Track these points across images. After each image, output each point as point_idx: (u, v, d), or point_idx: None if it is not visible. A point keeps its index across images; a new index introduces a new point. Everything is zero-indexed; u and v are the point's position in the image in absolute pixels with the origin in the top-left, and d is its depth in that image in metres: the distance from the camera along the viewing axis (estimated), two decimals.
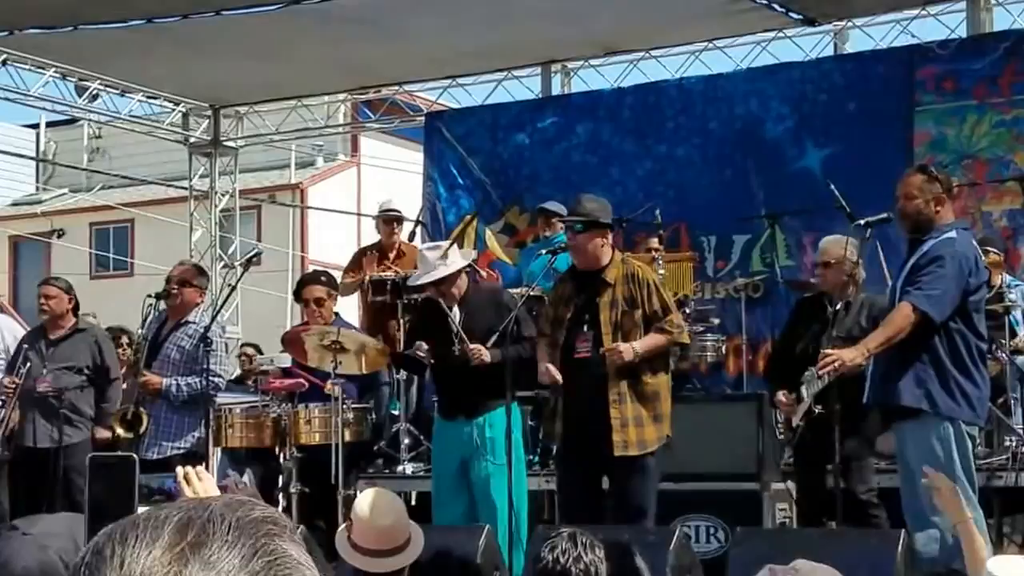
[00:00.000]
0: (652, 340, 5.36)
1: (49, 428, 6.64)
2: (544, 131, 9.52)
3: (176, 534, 0.87)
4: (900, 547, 4.52)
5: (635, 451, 5.32)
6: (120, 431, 6.24)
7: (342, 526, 4.07)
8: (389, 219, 8.16)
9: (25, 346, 6.89)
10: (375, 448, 7.37)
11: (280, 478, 6.93)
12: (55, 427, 6.62)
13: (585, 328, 5.41)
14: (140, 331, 6.58)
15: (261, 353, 9.79)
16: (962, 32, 8.49)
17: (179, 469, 2.46)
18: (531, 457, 7.13)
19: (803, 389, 5.52)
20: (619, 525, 5.17)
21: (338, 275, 7.98)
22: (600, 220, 5.46)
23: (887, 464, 6.01)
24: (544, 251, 6.15)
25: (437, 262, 5.95)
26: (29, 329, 7.47)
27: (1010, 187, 7.56)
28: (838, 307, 5.66)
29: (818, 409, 5.42)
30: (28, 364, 6.72)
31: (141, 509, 0.97)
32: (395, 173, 17.00)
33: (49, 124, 21.29)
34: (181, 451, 6.36)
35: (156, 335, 6.50)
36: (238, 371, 9.78)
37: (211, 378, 6.31)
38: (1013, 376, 6.74)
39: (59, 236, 21.34)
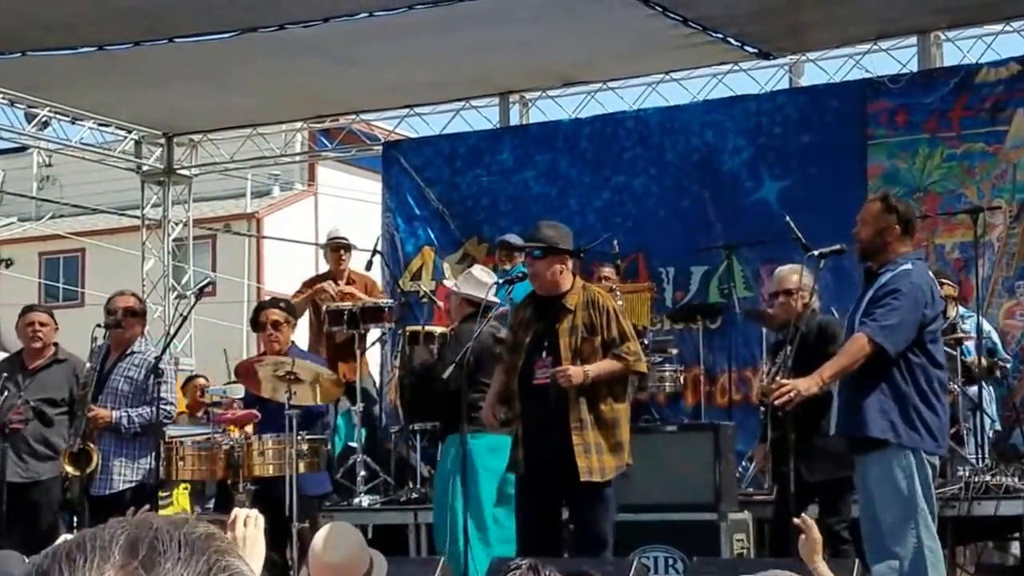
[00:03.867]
0: (606, 365, 5.34)
1: (19, 461, 6.37)
2: (502, 162, 9.53)
3: (126, 554, 0.84)
4: None
5: (598, 477, 5.30)
6: (69, 469, 6.07)
7: (304, 568, 3.99)
8: (336, 247, 8.14)
9: (4, 375, 6.49)
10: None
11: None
12: (25, 461, 6.37)
13: (544, 354, 5.39)
14: (88, 364, 6.43)
15: (209, 384, 9.66)
16: (913, 67, 8.61)
17: (235, 511, 2.41)
18: None
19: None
20: (579, 556, 5.13)
21: None
22: (558, 246, 5.46)
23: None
24: (501, 281, 6.13)
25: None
26: (6, 356, 7.10)
27: (962, 220, 7.66)
28: (797, 332, 5.70)
29: (773, 435, 5.46)
30: (5, 394, 6.36)
31: None
32: (353, 202, 16.94)
33: None
34: (132, 484, 6.23)
35: (100, 368, 6.35)
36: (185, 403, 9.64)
37: (163, 407, 6.20)
38: (966, 406, 6.81)
39: (7, 266, 21.04)
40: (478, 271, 6.58)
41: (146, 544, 0.85)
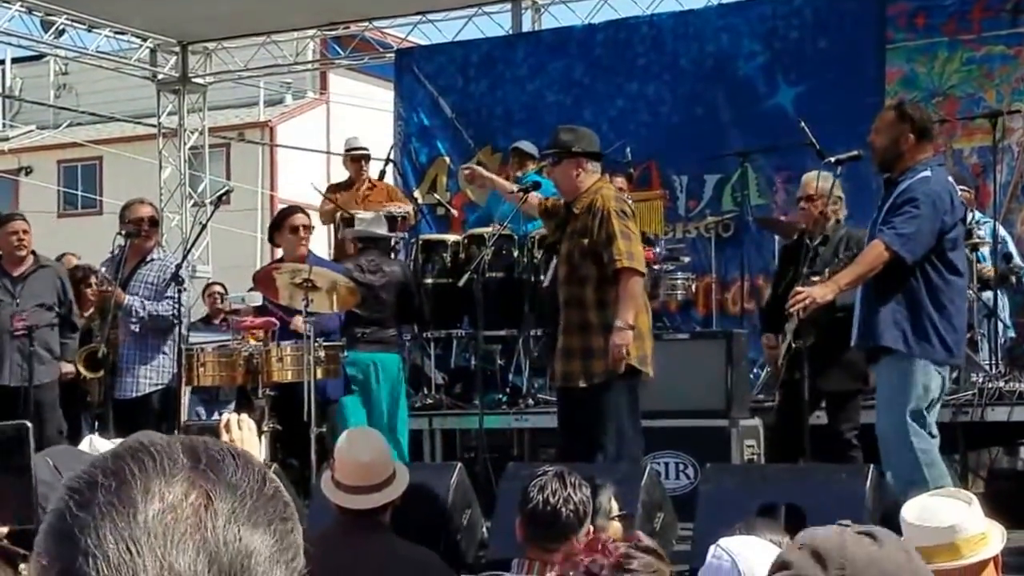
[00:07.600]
0: (622, 295, 5.19)
1: (21, 366, 6.50)
2: (516, 69, 9.43)
3: (191, 458, 0.86)
4: (869, 482, 4.53)
5: (578, 383, 5.26)
6: (83, 370, 6.20)
7: (326, 466, 4.07)
8: (356, 157, 8.12)
9: None
10: None
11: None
12: (27, 365, 6.47)
13: (554, 257, 5.43)
14: (103, 269, 6.55)
15: (226, 292, 9.74)
16: None
17: (225, 415, 2.45)
18: (500, 396, 7.17)
19: (786, 327, 5.57)
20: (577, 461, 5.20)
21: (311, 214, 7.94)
22: (571, 149, 5.41)
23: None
24: (516, 189, 6.12)
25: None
26: None
27: (980, 124, 7.58)
28: (816, 242, 5.69)
29: (796, 344, 5.46)
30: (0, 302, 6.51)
31: None
32: (365, 111, 16.85)
33: (14, 60, 20.93)
34: (159, 387, 6.38)
35: (117, 274, 6.44)
36: (205, 311, 9.73)
37: (175, 305, 6.31)
38: (980, 313, 6.81)
39: (27, 173, 21.09)
40: (364, 214, 6.76)
41: (202, 451, 0.87)
